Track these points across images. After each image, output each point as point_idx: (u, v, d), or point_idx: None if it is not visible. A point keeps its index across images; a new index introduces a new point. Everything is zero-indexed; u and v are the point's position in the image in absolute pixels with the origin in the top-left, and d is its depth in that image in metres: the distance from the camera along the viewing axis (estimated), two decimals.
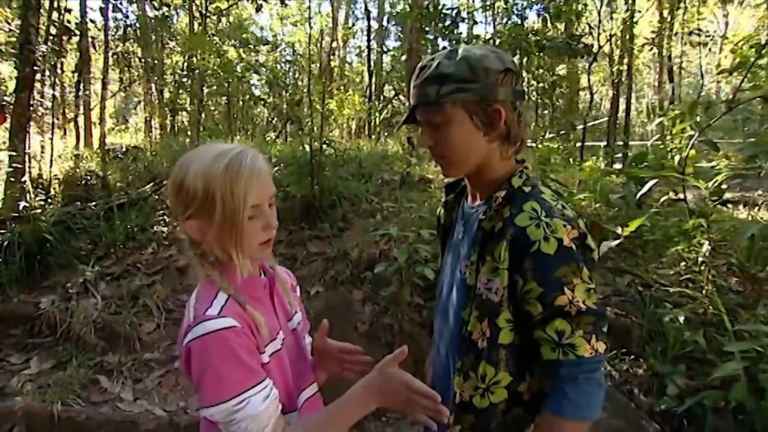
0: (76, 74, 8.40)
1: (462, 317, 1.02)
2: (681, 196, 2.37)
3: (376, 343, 3.02)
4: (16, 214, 4.03)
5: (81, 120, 8.90)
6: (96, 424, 2.47)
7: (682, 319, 2.16)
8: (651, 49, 11.83)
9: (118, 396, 2.71)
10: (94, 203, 4.82)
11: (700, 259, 2.12)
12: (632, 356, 2.71)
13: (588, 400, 0.93)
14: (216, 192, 0.88)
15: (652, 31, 10.95)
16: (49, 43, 6.16)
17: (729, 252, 2.21)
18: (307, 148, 5.40)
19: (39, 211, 4.31)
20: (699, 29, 11.33)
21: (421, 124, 1.04)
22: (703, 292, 2.17)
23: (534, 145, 5.76)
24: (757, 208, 4.64)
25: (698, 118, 2.36)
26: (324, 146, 5.39)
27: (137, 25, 10.08)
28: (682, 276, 2.37)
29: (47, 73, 6.50)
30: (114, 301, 3.42)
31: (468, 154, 1.01)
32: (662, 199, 2.35)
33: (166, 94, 11.74)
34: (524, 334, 0.97)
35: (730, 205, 4.85)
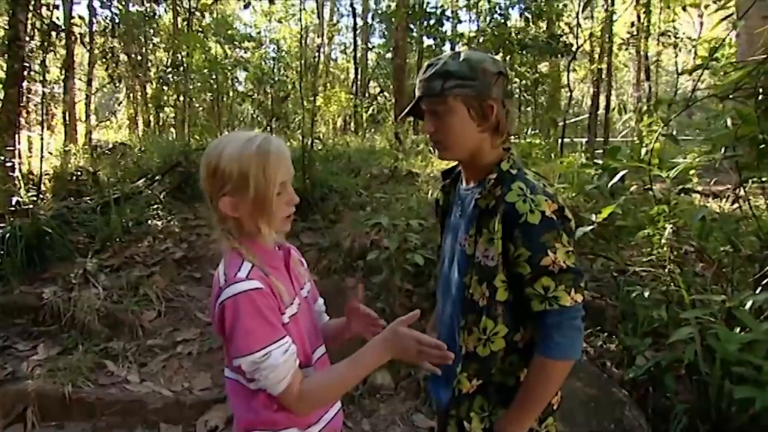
0: (63, 70, 8.35)
1: (464, 283, 1.19)
2: (649, 186, 2.59)
3: None
4: (14, 209, 4.11)
5: (67, 116, 8.86)
6: (106, 404, 2.61)
7: (647, 294, 2.40)
8: (627, 48, 12.20)
9: (125, 379, 2.83)
10: (89, 198, 4.90)
11: (663, 242, 2.35)
12: (606, 333, 2.95)
13: (571, 341, 1.10)
14: (250, 171, 1.01)
15: (628, 32, 11.32)
16: (37, 39, 6.17)
17: (689, 235, 2.44)
18: (296, 144, 5.55)
19: (34, 206, 4.38)
20: (669, 30, 11.76)
21: (425, 112, 1.23)
22: (666, 270, 2.41)
23: (517, 140, 5.99)
24: (722, 199, 4.94)
25: (673, 116, 2.57)
26: (314, 141, 5.54)
27: (118, 21, 10.02)
28: (649, 258, 2.60)
29: (36, 69, 6.50)
30: (115, 292, 3.53)
31: (462, 140, 1.20)
32: (631, 189, 2.58)
33: (150, 91, 11.68)
34: (516, 293, 1.15)
35: (698, 196, 5.15)
